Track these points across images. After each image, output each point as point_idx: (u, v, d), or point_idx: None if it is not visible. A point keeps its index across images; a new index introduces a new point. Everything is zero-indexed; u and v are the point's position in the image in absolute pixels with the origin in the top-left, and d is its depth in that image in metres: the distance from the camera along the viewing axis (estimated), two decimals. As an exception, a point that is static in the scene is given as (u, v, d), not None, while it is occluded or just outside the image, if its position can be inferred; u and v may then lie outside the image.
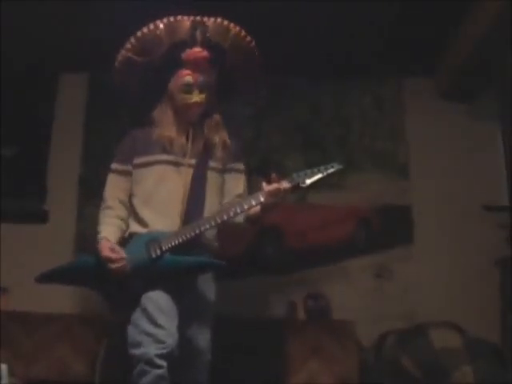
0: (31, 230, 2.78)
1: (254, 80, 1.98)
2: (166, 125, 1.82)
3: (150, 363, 1.55)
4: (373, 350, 2.50)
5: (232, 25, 1.83)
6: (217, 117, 1.86)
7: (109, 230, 1.76)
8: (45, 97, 2.97)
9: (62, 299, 2.55)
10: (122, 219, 1.81)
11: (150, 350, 1.56)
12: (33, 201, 2.84)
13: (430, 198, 2.80)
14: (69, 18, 2.54)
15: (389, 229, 2.78)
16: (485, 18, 2.34)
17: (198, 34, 1.79)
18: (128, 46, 1.81)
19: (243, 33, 1.85)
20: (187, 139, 1.82)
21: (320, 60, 2.78)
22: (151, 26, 1.78)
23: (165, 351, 1.56)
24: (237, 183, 1.87)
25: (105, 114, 2.89)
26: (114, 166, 1.86)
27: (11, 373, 2.06)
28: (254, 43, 1.88)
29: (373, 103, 2.96)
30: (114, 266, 1.67)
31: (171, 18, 1.79)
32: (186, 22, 1.80)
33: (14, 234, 2.73)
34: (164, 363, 1.55)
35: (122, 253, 1.69)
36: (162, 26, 1.78)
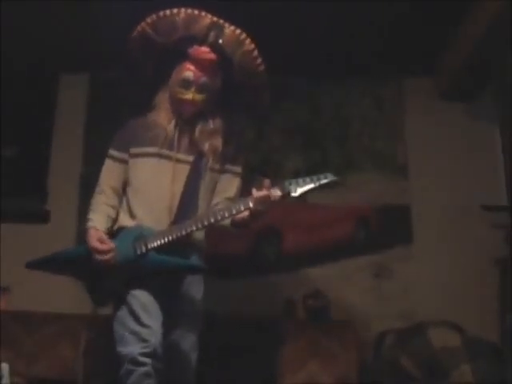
0: (32, 229, 2.79)
1: (260, 99, 1.92)
2: (159, 112, 1.83)
3: (134, 362, 1.57)
4: (372, 349, 2.51)
5: (248, 41, 1.79)
6: (215, 124, 1.83)
7: (98, 219, 1.76)
8: (46, 97, 2.97)
9: (62, 298, 2.56)
10: (112, 207, 1.81)
11: (135, 349, 1.58)
12: (34, 201, 2.84)
13: (429, 198, 2.80)
14: (69, 19, 2.54)
15: (388, 228, 2.79)
16: (485, 18, 2.34)
17: (212, 35, 1.78)
18: (148, 20, 1.80)
19: (255, 53, 1.80)
20: (176, 133, 1.81)
21: (320, 60, 2.78)
22: (174, 11, 1.77)
23: (148, 350, 1.58)
24: (229, 185, 1.86)
25: (105, 114, 2.89)
26: (111, 151, 1.85)
27: (12, 372, 2.07)
28: (263, 67, 1.82)
29: (372, 103, 2.97)
30: (101, 257, 1.67)
31: (195, 11, 1.78)
32: (205, 19, 1.78)
33: (16, 233, 2.74)
34: (148, 360, 1.57)
35: (110, 244, 1.69)
36: (182, 14, 1.77)
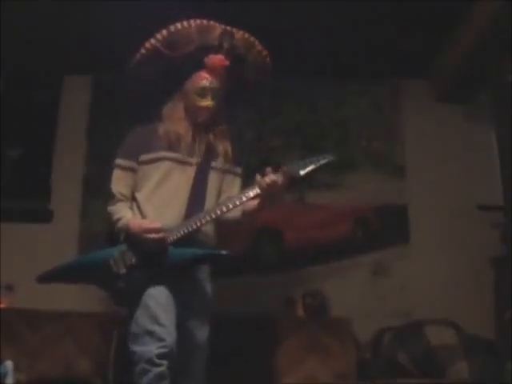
0: (36, 229, 2.81)
1: (263, 94, 2.05)
2: (175, 121, 1.85)
3: (151, 362, 1.58)
4: (370, 346, 2.54)
5: (257, 42, 1.89)
6: (223, 126, 1.90)
7: (128, 215, 1.77)
8: (49, 98, 2.99)
9: (66, 297, 2.58)
10: (131, 209, 1.82)
11: (151, 348, 1.59)
12: (37, 200, 2.87)
13: (426, 198, 2.82)
14: (70, 20, 2.55)
15: (386, 228, 2.82)
16: (485, 17, 2.35)
17: (226, 42, 1.84)
18: (159, 36, 1.82)
19: (265, 52, 1.91)
20: (194, 139, 1.85)
21: (319, 60, 2.79)
22: (185, 24, 1.81)
23: (165, 350, 1.59)
24: (232, 186, 1.90)
25: (108, 115, 2.92)
26: (118, 161, 1.85)
27: (16, 369, 2.08)
28: (270, 63, 1.93)
29: (371, 104, 2.98)
30: (156, 235, 1.68)
31: (204, 21, 1.83)
32: (216, 28, 1.84)
33: (19, 233, 2.76)
34: (164, 362, 1.58)
35: (159, 223, 1.70)
36: (193, 26, 1.81)
